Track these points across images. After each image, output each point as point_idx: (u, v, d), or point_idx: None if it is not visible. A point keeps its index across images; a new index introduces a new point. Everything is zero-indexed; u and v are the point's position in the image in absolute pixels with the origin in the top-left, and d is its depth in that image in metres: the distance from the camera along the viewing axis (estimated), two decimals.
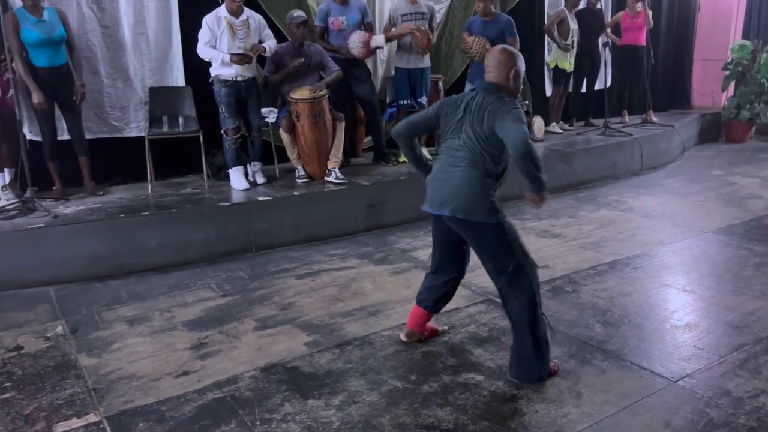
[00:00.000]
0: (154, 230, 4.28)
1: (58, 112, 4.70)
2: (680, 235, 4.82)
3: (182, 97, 5.21)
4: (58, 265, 4.02)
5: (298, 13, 5.09)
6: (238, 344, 3.19)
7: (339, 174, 5.08)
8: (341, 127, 5.16)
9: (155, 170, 5.25)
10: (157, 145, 5.13)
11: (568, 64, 7.22)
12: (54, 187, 4.78)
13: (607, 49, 7.44)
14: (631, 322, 3.34)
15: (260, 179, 5.02)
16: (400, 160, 5.93)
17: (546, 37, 7.37)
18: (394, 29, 5.70)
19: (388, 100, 6.18)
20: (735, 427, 2.44)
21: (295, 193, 4.84)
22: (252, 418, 2.55)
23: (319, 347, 3.14)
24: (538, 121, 7.03)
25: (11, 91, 4.33)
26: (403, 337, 3.16)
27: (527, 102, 7.18)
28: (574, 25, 7.11)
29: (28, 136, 4.75)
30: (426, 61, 5.83)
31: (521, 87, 2.77)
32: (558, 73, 7.36)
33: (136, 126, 5.19)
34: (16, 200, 4.39)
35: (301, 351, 3.10)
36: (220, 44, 4.70)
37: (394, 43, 5.90)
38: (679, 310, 3.48)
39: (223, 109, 4.84)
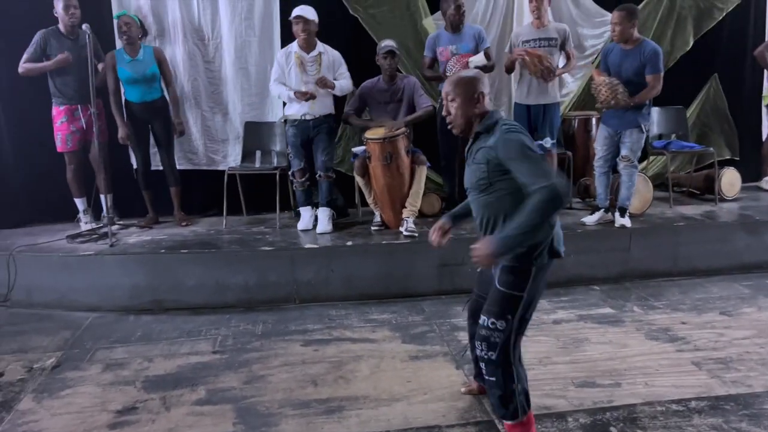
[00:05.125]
0: (193, 269, 4.15)
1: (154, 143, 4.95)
2: None
3: (274, 132, 5.07)
4: (103, 293, 4.14)
5: (386, 42, 4.58)
6: (158, 419, 2.80)
7: (411, 225, 4.39)
8: (421, 171, 4.48)
9: (248, 204, 5.22)
10: (251, 179, 5.08)
11: None
12: (148, 215, 5.02)
13: None
14: None
15: (321, 228, 4.56)
16: None
17: None
18: None
19: None
20: None
21: (348, 243, 4.30)
22: None
23: None
24: (729, 174, 5.31)
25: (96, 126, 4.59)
26: None
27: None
28: None
29: (135, 165, 5.07)
30: (552, 96, 4.79)
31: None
32: None
33: (233, 160, 5.22)
34: (94, 225, 4.69)
35: None
36: (289, 80, 4.43)
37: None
38: None
39: (290, 150, 4.55)
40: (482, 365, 2.33)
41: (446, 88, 2.32)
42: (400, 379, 3.12)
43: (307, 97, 4.35)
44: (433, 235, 2.53)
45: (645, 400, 2.82)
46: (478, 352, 2.32)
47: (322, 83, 4.38)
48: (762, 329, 3.59)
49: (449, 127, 2.37)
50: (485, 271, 2.47)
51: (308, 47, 4.43)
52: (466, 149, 2.38)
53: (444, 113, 2.34)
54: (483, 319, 2.29)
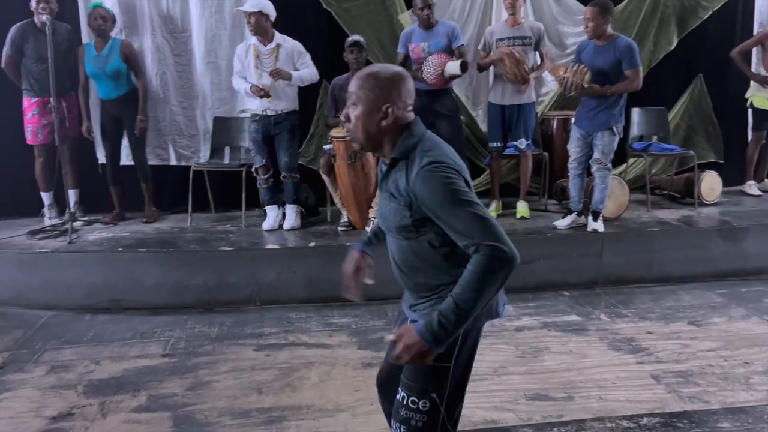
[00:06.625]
0: (152, 268, 4.06)
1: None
2: None
3: (243, 128, 4.95)
4: (60, 292, 4.05)
5: (352, 37, 4.47)
6: (92, 427, 2.71)
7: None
8: None
9: (217, 201, 5.13)
10: (220, 175, 4.98)
11: None
12: (114, 211, 4.92)
13: None
14: None
15: (289, 224, 4.49)
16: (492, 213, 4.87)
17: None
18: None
19: None
20: None
21: (311, 244, 4.21)
22: None
23: None
24: (709, 178, 5.18)
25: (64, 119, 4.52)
26: None
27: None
28: None
29: (101, 160, 4.99)
30: (527, 96, 4.67)
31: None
32: (758, 115, 5.42)
33: (203, 155, 5.12)
34: (57, 221, 4.60)
35: None
36: (248, 74, 4.32)
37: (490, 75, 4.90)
38: None
39: (251, 146, 4.44)
40: None
41: (351, 84, 1.71)
42: (348, 387, 3.03)
43: (261, 94, 4.23)
44: (351, 288, 1.93)
45: (595, 416, 2.72)
46: None
47: (277, 75, 4.23)
48: (729, 341, 3.49)
49: (348, 138, 1.82)
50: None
51: (264, 39, 4.30)
52: (380, 176, 1.79)
53: (342, 117, 1.75)
54: (401, 395, 1.75)
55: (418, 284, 1.75)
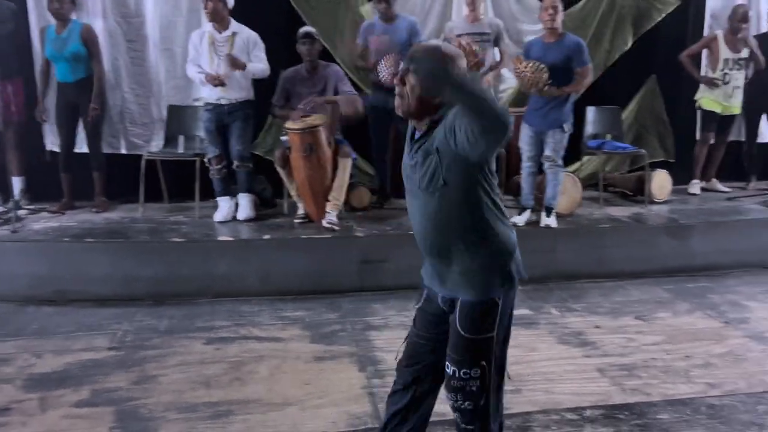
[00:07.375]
0: (99, 259, 3.96)
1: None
2: None
3: (199, 116, 4.85)
4: (2, 283, 3.90)
5: (303, 28, 4.43)
6: (30, 422, 2.63)
7: (333, 219, 4.27)
8: (346, 164, 4.35)
9: (172, 191, 5.03)
10: (174, 165, 4.87)
11: (718, 105, 5.40)
12: (62, 199, 4.77)
13: None
14: None
15: (243, 214, 4.43)
16: None
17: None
18: None
19: None
20: None
21: (266, 236, 4.17)
22: None
23: None
24: (659, 177, 5.32)
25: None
26: None
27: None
28: (728, 54, 5.29)
29: (48, 147, 4.83)
30: None
31: None
32: (706, 116, 5.58)
33: (156, 144, 5.01)
34: (0, 209, 4.45)
35: None
36: (202, 61, 4.24)
37: None
38: None
39: (204, 136, 4.37)
40: (457, 415, 1.97)
41: (412, 54, 1.81)
42: (298, 381, 3.01)
43: (216, 82, 4.16)
44: None
45: (541, 408, 2.77)
46: (450, 402, 1.94)
47: (231, 61, 4.16)
48: (672, 335, 3.59)
49: (396, 105, 1.85)
50: (427, 308, 2.03)
51: (220, 27, 4.23)
52: (413, 143, 1.88)
53: (397, 82, 1.82)
54: (452, 370, 1.89)
55: (443, 247, 1.87)
